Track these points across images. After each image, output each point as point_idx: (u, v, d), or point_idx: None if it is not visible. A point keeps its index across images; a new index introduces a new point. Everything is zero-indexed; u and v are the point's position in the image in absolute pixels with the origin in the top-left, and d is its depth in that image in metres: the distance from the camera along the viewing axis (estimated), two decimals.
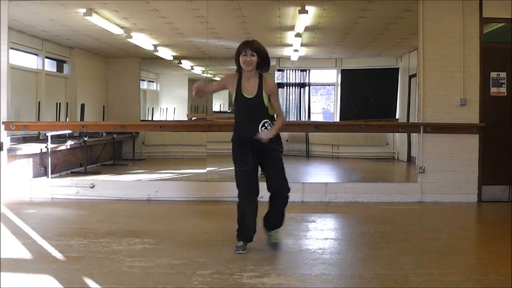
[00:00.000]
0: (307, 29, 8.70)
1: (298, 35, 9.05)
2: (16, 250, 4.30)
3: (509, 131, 6.83)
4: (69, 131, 8.81)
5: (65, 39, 9.88)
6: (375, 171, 10.22)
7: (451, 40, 6.75)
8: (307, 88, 12.45)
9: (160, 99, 13.06)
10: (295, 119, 12.13)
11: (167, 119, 12.54)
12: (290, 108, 12.35)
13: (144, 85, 12.58)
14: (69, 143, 8.87)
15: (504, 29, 6.96)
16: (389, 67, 11.84)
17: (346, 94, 12.32)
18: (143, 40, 9.94)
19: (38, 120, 9.12)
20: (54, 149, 8.27)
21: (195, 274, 3.70)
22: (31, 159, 7.66)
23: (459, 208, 6.52)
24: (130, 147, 11.45)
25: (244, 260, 4.07)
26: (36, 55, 9.56)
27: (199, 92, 4.29)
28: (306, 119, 12.20)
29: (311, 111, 12.57)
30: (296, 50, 10.65)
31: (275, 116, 4.26)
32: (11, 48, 7.36)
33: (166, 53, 11.26)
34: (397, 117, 11.36)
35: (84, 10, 7.58)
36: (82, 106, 9.64)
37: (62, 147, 8.69)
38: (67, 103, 10.10)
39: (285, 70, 12.39)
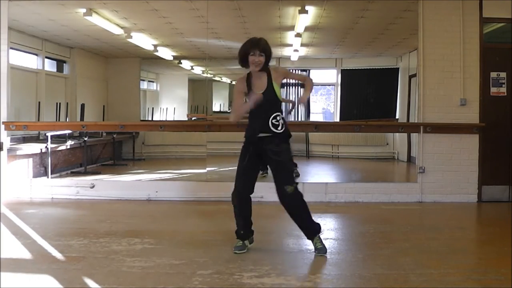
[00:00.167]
0: (307, 29, 8.70)
1: (298, 35, 9.05)
2: (16, 250, 4.30)
3: (509, 131, 6.83)
4: (69, 131, 8.82)
5: (65, 39, 9.88)
6: (375, 171, 10.22)
7: (451, 40, 6.75)
8: None
9: (160, 99, 13.06)
10: (294, 119, 12.12)
11: (167, 119, 12.54)
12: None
13: (144, 85, 12.58)
14: (69, 143, 8.87)
15: (504, 29, 6.96)
16: (389, 67, 11.83)
17: (346, 94, 12.31)
18: (143, 40, 9.94)
19: (38, 120, 9.11)
20: (54, 149, 8.27)
21: (195, 274, 3.70)
22: (31, 159, 7.66)
23: (459, 208, 6.52)
24: (130, 147, 11.45)
25: (244, 260, 4.07)
26: (36, 55, 9.56)
27: (238, 117, 4.38)
28: (306, 119, 12.19)
29: (311, 111, 12.58)
30: (296, 50, 10.64)
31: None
32: (11, 48, 7.36)
33: (166, 53, 11.26)
34: (397, 117, 11.36)
35: (84, 10, 7.58)
36: (82, 106, 9.64)
37: (62, 147, 8.69)
38: (67, 103, 10.10)
39: None
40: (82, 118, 9.57)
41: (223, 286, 3.49)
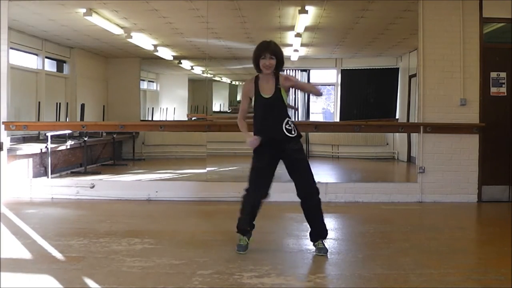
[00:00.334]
0: (307, 29, 8.70)
1: (298, 35, 9.05)
2: (16, 250, 4.30)
3: (509, 131, 6.83)
4: (69, 131, 8.82)
5: (65, 39, 9.88)
6: (375, 171, 10.22)
7: (451, 40, 6.75)
8: None
9: (160, 99, 13.06)
10: (294, 119, 12.12)
11: (167, 119, 12.55)
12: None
13: (144, 85, 12.58)
14: (69, 143, 8.87)
15: (504, 29, 6.96)
16: (389, 67, 11.84)
17: (346, 94, 12.32)
18: (143, 40, 9.94)
19: (38, 120, 9.12)
20: (54, 149, 8.27)
21: (195, 274, 3.70)
22: (31, 159, 7.66)
23: (459, 208, 6.52)
24: (130, 147, 11.45)
25: (244, 260, 4.06)
26: (36, 55, 9.56)
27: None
28: (306, 119, 12.19)
29: (311, 111, 12.58)
30: (296, 50, 10.64)
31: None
32: (11, 48, 7.36)
33: (166, 53, 11.26)
34: (397, 117, 11.36)
35: (84, 10, 7.58)
36: (82, 106, 9.64)
37: (62, 147, 8.69)
38: (67, 103, 10.10)
39: (285, 70, 12.30)
40: (82, 118, 9.57)
41: (223, 286, 3.49)
